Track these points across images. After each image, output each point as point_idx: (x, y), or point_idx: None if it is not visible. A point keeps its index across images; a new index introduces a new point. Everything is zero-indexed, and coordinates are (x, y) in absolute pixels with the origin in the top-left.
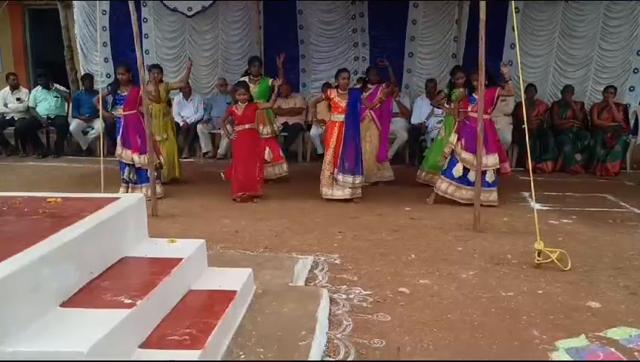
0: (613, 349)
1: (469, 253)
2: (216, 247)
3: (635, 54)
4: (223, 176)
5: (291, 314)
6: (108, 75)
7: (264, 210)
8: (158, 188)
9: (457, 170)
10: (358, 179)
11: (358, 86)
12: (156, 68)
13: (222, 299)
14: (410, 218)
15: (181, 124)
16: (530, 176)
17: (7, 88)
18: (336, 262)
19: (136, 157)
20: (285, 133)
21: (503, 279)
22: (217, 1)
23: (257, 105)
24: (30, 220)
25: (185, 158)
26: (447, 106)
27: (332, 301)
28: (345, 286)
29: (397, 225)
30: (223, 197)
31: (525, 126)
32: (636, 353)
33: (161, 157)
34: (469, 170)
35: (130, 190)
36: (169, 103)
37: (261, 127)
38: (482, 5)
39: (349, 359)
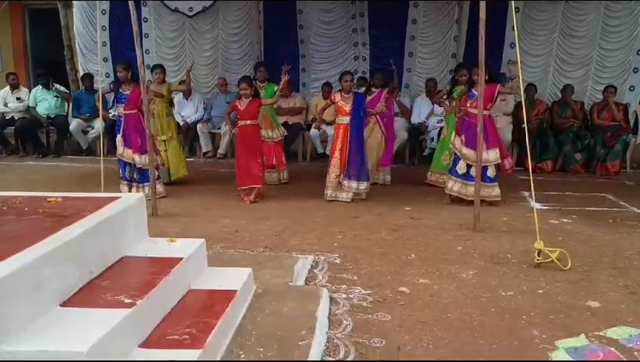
0: (612, 349)
1: (469, 252)
2: (216, 247)
3: (635, 54)
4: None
5: (291, 314)
6: (107, 75)
7: (264, 210)
8: (160, 188)
9: (460, 167)
10: (363, 186)
11: (361, 91)
12: (158, 68)
13: (222, 298)
14: (409, 217)
15: (181, 123)
16: (530, 176)
17: (7, 88)
18: (336, 261)
19: (137, 157)
20: (284, 135)
21: (502, 278)
22: (218, 0)
23: (261, 102)
24: (30, 220)
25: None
26: (447, 104)
27: (332, 300)
28: (345, 286)
29: (397, 224)
30: (222, 197)
31: (525, 125)
32: (636, 352)
33: (158, 158)
34: (471, 166)
35: (134, 189)
36: (170, 103)
37: (269, 132)
38: (482, 5)
39: (348, 358)
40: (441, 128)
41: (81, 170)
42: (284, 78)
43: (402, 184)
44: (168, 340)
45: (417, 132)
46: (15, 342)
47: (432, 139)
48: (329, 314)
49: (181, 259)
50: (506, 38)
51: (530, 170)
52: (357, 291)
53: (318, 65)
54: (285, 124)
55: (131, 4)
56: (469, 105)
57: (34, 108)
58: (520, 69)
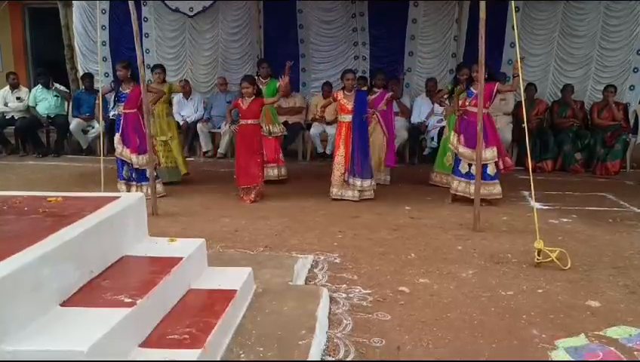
0: (612, 348)
1: (469, 252)
2: (216, 246)
3: (635, 53)
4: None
5: (291, 313)
6: (106, 74)
7: (264, 209)
8: (159, 187)
9: (463, 166)
10: (367, 183)
11: (364, 89)
12: (159, 68)
13: (222, 298)
14: (409, 217)
15: (181, 123)
16: (529, 175)
17: (7, 87)
18: (336, 261)
19: (134, 157)
20: (285, 133)
21: (502, 278)
22: (218, 0)
23: (263, 101)
24: (30, 219)
25: (186, 157)
26: (447, 104)
27: (332, 300)
28: (345, 286)
29: (397, 224)
30: (222, 196)
31: (525, 125)
32: (636, 352)
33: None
34: (472, 165)
35: (133, 188)
36: (170, 103)
37: (270, 127)
38: (482, 4)
39: (348, 358)
40: (442, 128)
41: (81, 169)
42: (285, 79)
43: (402, 184)
44: (168, 340)
45: (417, 131)
46: (15, 342)
47: (432, 138)
48: (329, 313)
49: (181, 258)
50: (506, 38)
51: (530, 169)
52: (357, 291)
53: (318, 65)
54: (285, 124)
55: (131, 4)
56: (467, 103)
57: (34, 107)
58: (520, 68)
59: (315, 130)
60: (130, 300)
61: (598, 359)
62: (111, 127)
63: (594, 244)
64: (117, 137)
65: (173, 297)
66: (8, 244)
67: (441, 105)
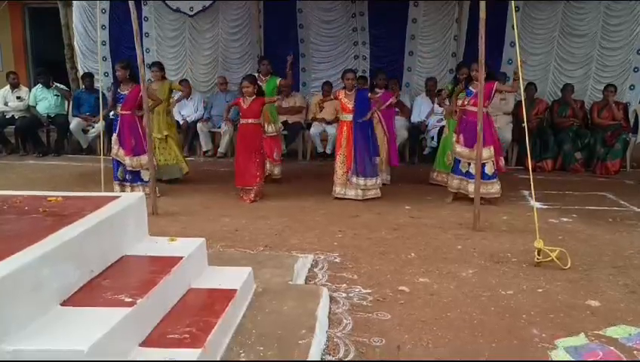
0: (612, 348)
1: (469, 251)
2: (217, 246)
3: (636, 53)
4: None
5: (291, 313)
6: (106, 74)
7: (264, 209)
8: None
9: (463, 165)
10: (371, 181)
11: (365, 87)
12: (156, 65)
13: (222, 297)
14: (409, 216)
15: (181, 122)
16: (529, 175)
17: (8, 87)
18: (336, 260)
19: (128, 159)
20: (285, 132)
21: (502, 277)
22: (218, 0)
23: (264, 100)
24: (30, 219)
25: (185, 157)
26: (447, 105)
27: (332, 299)
28: (345, 285)
29: (397, 223)
30: (222, 196)
31: (525, 124)
32: (636, 352)
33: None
34: (471, 164)
35: (127, 189)
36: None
37: (266, 125)
38: (482, 4)
39: (348, 357)
40: (442, 127)
41: (81, 169)
42: (289, 74)
43: (402, 183)
44: (168, 339)
45: (417, 131)
46: (15, 341)
47: (432, 138)
48: (329, 313)
49: (181, 258)
50: (506, 37)
51: (530, 169)
52: (357, 290)
53: (318, 65)
54: (285, 123)
55: (131, 4)
56: (466, 102)
57: (34, 107)
58: (520, 67)
59: (315, 129)
60: (130, 300)
61: (597, 358)
62: (110, 127)
63: (594, 244)
64: (114, 137)
65: (174, 296)
66: (8, 244)
67: (440, 107)
